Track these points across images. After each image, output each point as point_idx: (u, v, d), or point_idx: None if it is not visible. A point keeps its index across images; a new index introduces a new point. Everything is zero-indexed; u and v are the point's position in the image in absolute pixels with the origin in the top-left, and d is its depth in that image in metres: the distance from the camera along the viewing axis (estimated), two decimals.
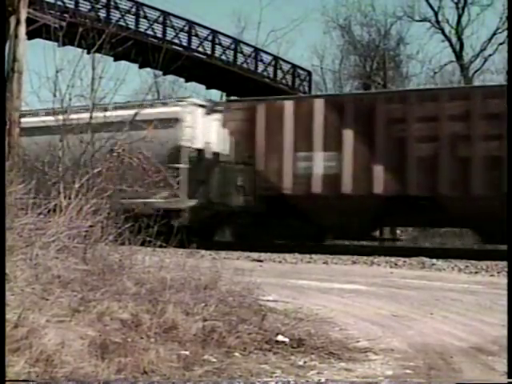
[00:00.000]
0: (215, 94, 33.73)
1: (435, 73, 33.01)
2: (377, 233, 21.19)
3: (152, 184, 9.98)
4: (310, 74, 32.22)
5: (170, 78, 32.18)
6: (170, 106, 18.10)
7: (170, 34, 25.54)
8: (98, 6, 23.08)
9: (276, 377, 4.21)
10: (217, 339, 4.73)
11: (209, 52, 26.91)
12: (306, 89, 31.18)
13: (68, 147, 8.15)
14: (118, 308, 4.82)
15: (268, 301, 6.82)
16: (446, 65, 33.21)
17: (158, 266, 6.43)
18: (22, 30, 8.27)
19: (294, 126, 16.72)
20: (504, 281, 10.08)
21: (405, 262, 13.40)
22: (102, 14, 23.03)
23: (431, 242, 22.29)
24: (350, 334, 5.69)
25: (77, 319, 4.47)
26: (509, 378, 4.22)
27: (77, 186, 7.10)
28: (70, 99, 8.69)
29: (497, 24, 31.96)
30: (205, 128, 17.43)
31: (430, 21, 33.23)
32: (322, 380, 4.21)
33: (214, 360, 4.38)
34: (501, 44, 31.18)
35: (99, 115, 8.87)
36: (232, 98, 28.88)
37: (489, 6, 32.42)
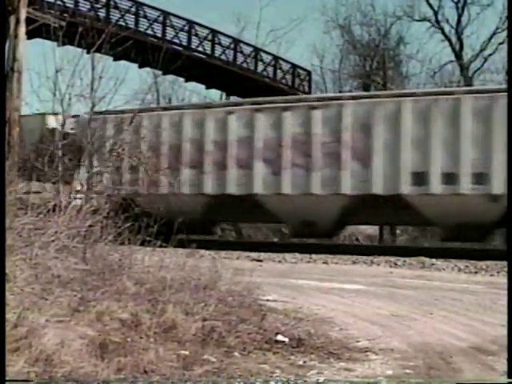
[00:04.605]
0: (215, 94, 33.78)
1: (435, 72, 33.01)
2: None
3: None
4: (309, 73, 32.20)
5: (170, 77, 32.14)
6: None
7: (170, 33, 25.51)
8: (98, 6, 23.06)
9: (276, 377, 4.21)
10: (216, 339, 4.73)
11: (208, 52, 26.87)
12: (306, 88, 31.18)
13: None
14: (117, 308, 4.82)
15: (268, 301, 6.82)
16: (445, 64, 33.18)
17: (158, 265, 6.42)
18: (22, 29, 8.27)
19: None
20: (504, 280, 10.08)
21: (404, 261, 13.40)
22: (102, 13, 23.01)
23: (431, 242, 22.29)
24: (350, 333, 5.68)
25: (76, 319, 4.47)
26: (509, 377, 4.21)
27: None
28: (70, 99, 8.71)
29: (497, 24, 31.96)
30: None
31: (429, 20, 33.20)
32: (322, 380, 4.20)
33: (214, 360, 4.37)
34: (501, 44, 31.15)
35: None
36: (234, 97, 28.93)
37: (489, 5, 32.36)
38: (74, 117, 17.70)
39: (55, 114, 15.82)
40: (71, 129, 16.85)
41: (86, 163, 16.83)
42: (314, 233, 16.61)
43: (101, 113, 15.88)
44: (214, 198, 16.86)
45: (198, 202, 16.88)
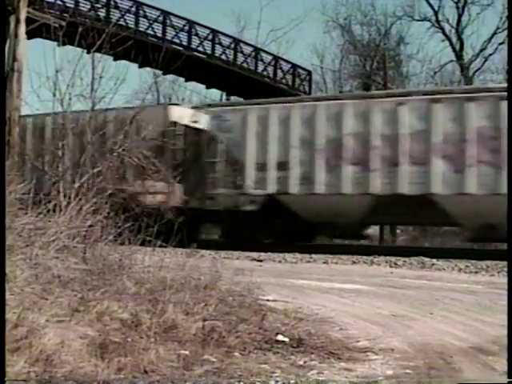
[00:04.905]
0: (215, 94, 33.80)
1: (435, 72, 33.04)
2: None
3: None
4: (310, 73, 32.21)
5: (170, 77, 32.18)
6: None
7: (170, 33, 25.54)
8: (98, 6, 23.08)
9: (276, 377, 4.20)
10: (217, 339, 4.73)
11: (209, 51, 26.90)
12: (306, 88, 31.18)
13: None
14: (117, 308, 4.82)
15: (268, 300, 6.82)
16: (446, 64, 33.25)
17: (158, 265, 6.42)
18: (22, 29, 8.28)
19: None
20: (504, 280, 10.08)
21: (405, 261, 13.39)
22: (102, 13, 23.03)
23: (431, 242, 22.31)
24: (350, 333, 5.68)
25: (76, 319, 4.47)
26: (509, 377, 4.21)
27: None
28: (70, 99, 8.72)
29: (497, 23, 32.03)
30: None
31: (430, 20, 33.27)
32: (322, 380, 4.20)
33: (214, 360, 4.37)
34: (501, 43, 31.20)
35: None
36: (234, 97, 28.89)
37: (489, 5, 32.47)
38: (198, 109, 16.96)
39: (176, 104, 15.14)
40: (193, 121, 16.26)
41: (221, 160, 16.21)
42: (496, 237, 14.91)
43: (233, 104, 14.95)
44: (380, 199, 15.31)
45: (362, 203, 15.51)
